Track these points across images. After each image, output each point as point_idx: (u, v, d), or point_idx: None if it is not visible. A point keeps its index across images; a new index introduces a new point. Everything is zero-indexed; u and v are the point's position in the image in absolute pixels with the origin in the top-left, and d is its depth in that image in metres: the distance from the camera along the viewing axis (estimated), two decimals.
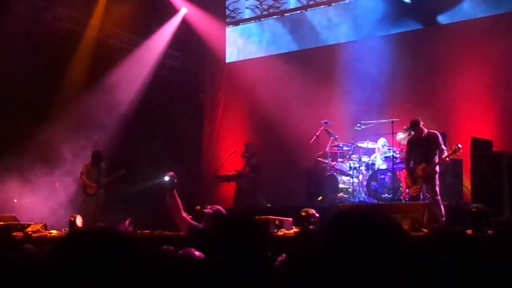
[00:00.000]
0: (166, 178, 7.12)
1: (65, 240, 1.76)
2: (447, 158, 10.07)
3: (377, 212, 2.08)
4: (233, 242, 2.48)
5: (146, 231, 10.10)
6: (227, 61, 16.63)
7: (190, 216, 7.41)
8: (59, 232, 11.44)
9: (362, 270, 1.51)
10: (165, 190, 7.11)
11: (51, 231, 11.46)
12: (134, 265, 1.69)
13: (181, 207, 7.04)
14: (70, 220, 11.92)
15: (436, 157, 10.18)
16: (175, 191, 7.07)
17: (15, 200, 12.80)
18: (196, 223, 7.12)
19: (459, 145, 10.15)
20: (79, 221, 11.98)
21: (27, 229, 11.07)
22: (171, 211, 7.17)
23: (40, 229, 11.27)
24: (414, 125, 10.42)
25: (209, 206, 11.13)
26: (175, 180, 7.13)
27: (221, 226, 2.68)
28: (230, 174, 14.40)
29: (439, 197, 9.96)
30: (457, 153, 10.23)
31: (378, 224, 1.94)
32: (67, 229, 11.80)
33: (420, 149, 10.33)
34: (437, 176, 10.12)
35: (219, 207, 7.05)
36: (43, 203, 12.77)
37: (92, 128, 13.78)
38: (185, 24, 15.97)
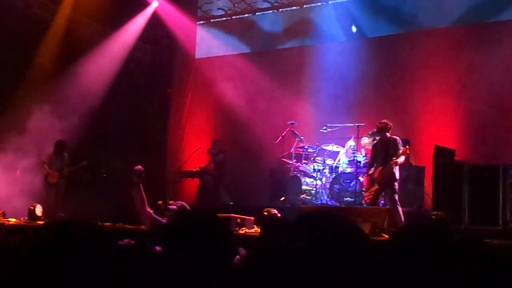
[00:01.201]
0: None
1: (42, 230, 1.75)
2: (397, 161, 10.09)
3: (338, 215, 2.09)
4: (195, 238, 2.48)
5: (107, 224, 10.00)
6: (196, 57, 16.57)
7: (152, 211, 7.41)
8: (18, 221, 11.29)
9: (321, 274, 1.51)
10: (132, 184, 7.11)
11: (10, 219, 11.30)
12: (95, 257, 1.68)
13: (146, 201, 7.05)
14: (30, 209, 11.77)
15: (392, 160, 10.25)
16: (141, 185, 7.07)
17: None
18: (159, 218, 7.11)
19: (407, 146, 10.25)
20: (38, 210, 11.84)
21: None
22: (136, 205, 7.17)
23: None
24: (382, 129, 10.42)
25: (172, 202, 11.12)
26: (143, 175, 7.14)
27: (184, 222, 2.68)
28: (194, 170, 14.36)
29: (398, 204, 10.03)
30: (405, 154, 10.26)
31: (340, 227, 1.94)
32: (26, 218, 11.66)
33: (382, 153, 10.40)
34: (396, 183, 10.19)
35: (183, 203, 7.06)
36: (2, 190, 12.57)
37: (57, 118, 13.58)
38: (156, 18, 15.85)
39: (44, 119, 13.36)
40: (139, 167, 7.25)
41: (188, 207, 6.72)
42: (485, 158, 11.49)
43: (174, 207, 6.95)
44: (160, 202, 11.76)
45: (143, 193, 7.13)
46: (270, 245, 1.78)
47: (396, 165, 10.09)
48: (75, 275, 1.71)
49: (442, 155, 11.30)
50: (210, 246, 2.43)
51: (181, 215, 2.72)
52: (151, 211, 7.35)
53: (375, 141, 10.84)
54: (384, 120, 10.46)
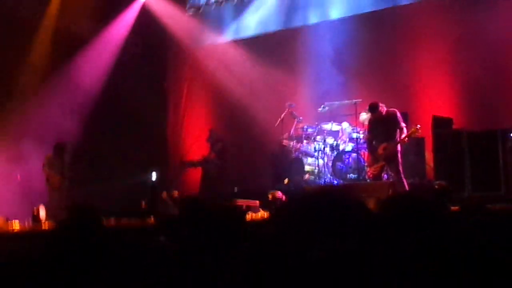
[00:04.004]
0: (153, 176, 7.27)
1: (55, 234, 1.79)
2: (406, 139, 10.21)
3: (341, 192, 2.13)
4: (210, 232, 2.46)
5: (111, 219, 10.02)
6: (189, 47, 16.51)
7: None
8: (22, 225, 11.30)
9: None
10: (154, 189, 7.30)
11: (14, 221, 11.30)
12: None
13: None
14: (33, 212, 11.78)
15: (397, 135, 10.33)
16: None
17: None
18: None
19: (418, 126, 10.32)
20: (42, 212, 11.85)
21: None
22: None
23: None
24: (372, 109, 10.54)
25: (176, 192, 11.20)
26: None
27: (199, 215, 2.65)
28: (196, 160, 14.40)
29: (402, 175, 10.11)
30: (416, 134, 10.38)
31: (343, 202, 1.98)
32: (30, 221, 11.67)
33: (381, 128, 10.45)
34: (399, 155, 10.26)
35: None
36: (2, 195, 12.61)
37: (54, 119, 13.58)
38: (146, 10, 15.80)
39: (40, 121, 13.38)
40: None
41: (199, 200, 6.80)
42: (483, 123, 11.50)
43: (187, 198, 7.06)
44: (164, 193, 11.86)
45: None
46: (279, 228, 1.81)
47: (403, 143, 10.20)
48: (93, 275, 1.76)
49: (440, 125, 11.34)
50: (225, 237, 2.41)
51: (196, 206, 2.70)
52: None
53: (372, 117, 10.85)
54: (374, 101, 10.57)
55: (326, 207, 1.84)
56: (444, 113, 11.92)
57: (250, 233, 2.72)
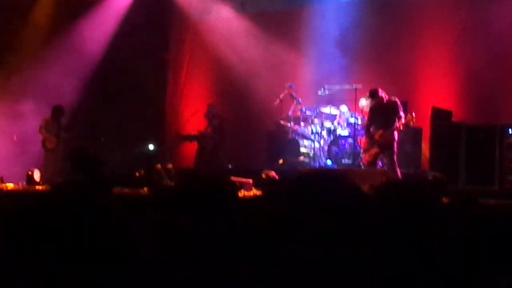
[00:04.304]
0: (151, 147, 7.36)
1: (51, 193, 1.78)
2: (401, 126, 10.20)
3: (337, 175, 2.12)
4: (204, 202, 2.46)
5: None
6: (193, 19, 16.39)
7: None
8: (16, 186, 11.33)
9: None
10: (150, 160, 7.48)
11: (7, 184, 11.34)
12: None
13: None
14: (28, 174, 11.81)
15: (395, 124, 10.32)
16: None
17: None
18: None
19: (413, 114, 10.31)
20: (36, 175, 11.88)
21: None
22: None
23: None
24: (373, 95, 10.53)
25: (170, 165, 11.22)
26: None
27: (194, 186, 2.64)
28: (192, 133, 14.37)
29: (396, 164, 10.13)
30: (411, 122, 10.36)
31: (339, 185, 1.97)
32: (24, 182, 11.70)
33: (380, 116, 10.44)
34: (395, 144, 10.26)
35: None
36: None
37: (53, 82, 13.53)
38: None
39: (40, 82, 13.33)
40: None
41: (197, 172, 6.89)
42: (483, 118, 11.50)
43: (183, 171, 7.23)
44: (159, 165, 11.84)
45: None
46: (271, 206, 1.81)
47: (397, 132, 10.19)
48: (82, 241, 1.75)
49: (439, 116, 11.33)
50: (218, 210, 2.42)
51: (189, 178, 2.69)
52: None
53: (372, 103, 10.83)
54: (374, 87, 10.55)
55: (321, 188, 1.84)
56: (444, 105, 11.91)
57: (242, 209, 2.73)
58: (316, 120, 12.63)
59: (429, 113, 11.30)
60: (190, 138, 14.47)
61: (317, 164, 12.19)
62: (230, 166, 13.44)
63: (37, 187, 11.23)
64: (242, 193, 9.70)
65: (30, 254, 1.82)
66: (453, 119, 11.42)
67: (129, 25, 15.32)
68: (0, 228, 1.96)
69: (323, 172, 2.74)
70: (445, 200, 7.34)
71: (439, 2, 13.06)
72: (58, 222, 1.94)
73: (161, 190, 6.77)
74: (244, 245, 1.59)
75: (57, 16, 14.14)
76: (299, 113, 12.93)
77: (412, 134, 11.72)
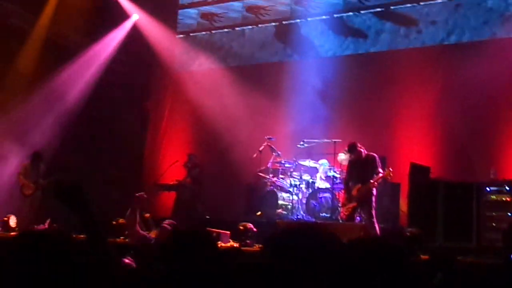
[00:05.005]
0: None
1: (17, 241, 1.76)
2: (376, 182, 10.25)
3: (317, 229, 2.13)
4: (188, 256, 2.47)
5: (81, 235, 9.90)
6: (175, 70, 16.54)
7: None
8: None
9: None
10: (131, 206, 7.66)
11: None
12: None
13: (138, 222, 7.49)
14: (3, 219, 11.67)
15: (373, 179, 10.36)
16: (138, 210, 7.57)
17: None
18: (148, 236, 7.55)
19: (390, 169, 10.38)
20: (12, 221, 11.74)
21: None
22: (128, 223, 7.67)
23: None
24: (351, 149, 10.59)
25: (148, 215, 11.14)
26: (142, 202, 7.71)
27: (179, 241, 2.65)
28: (171, 183, 14.31)
29: (374, 219, 10.12)
30: (388, 177, 10.43)
31: (320, 239, 1.98)
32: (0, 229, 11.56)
33: (359, 170, 10.49)
34: (373, 198, 10.29)
35: (173, 221, 7.39)
36: None
37: (33, 128, 13.49)
38: (135, 31, 15.85)
39: (22, 126, 13.28)
40: (142, 194, 7.83)
41: (178, 226, 6.95)
42: (461, 175, 11.61)
43: (168, 226, 7.28)
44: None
45: (137, 215, 7.63)
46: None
47: (374, 187, 10.23)
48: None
49: (417, 172, 11.40)
50: (200, 261, 2.42)
51: (176, 234, 2.72)
52: (139, 229, 7.76)
53: (350, 157, 10.88)
54: (352, 141, 10.64)
55: (304, 242, 1.85)
56: (423, 161, 12.00)
57: (223, 260, 2.73)
58: (295, 173, 12.66)
59: (407, 168, 11.37)
60: (168, 188, 14.41)
61: (295, 217, 12.16)
62: (207, 216, 13.37)
63: (12, 233, 11.08)
64: (219, 244, 9.65)
65: None
66: (431, 175, 11.49)
67: (112, 73, 15.42)
68: None
69: (303, 226, 2.75)
70: (423, 256, 7.36)
71: (418, 61, 13.30)
72: (20, 270, 1.93)
73: (148, 244, 6.91)
74: None
75: (42, 62, 14.19)
76: (278, 165, 12.97)
77: (390, 189, 11.77)
